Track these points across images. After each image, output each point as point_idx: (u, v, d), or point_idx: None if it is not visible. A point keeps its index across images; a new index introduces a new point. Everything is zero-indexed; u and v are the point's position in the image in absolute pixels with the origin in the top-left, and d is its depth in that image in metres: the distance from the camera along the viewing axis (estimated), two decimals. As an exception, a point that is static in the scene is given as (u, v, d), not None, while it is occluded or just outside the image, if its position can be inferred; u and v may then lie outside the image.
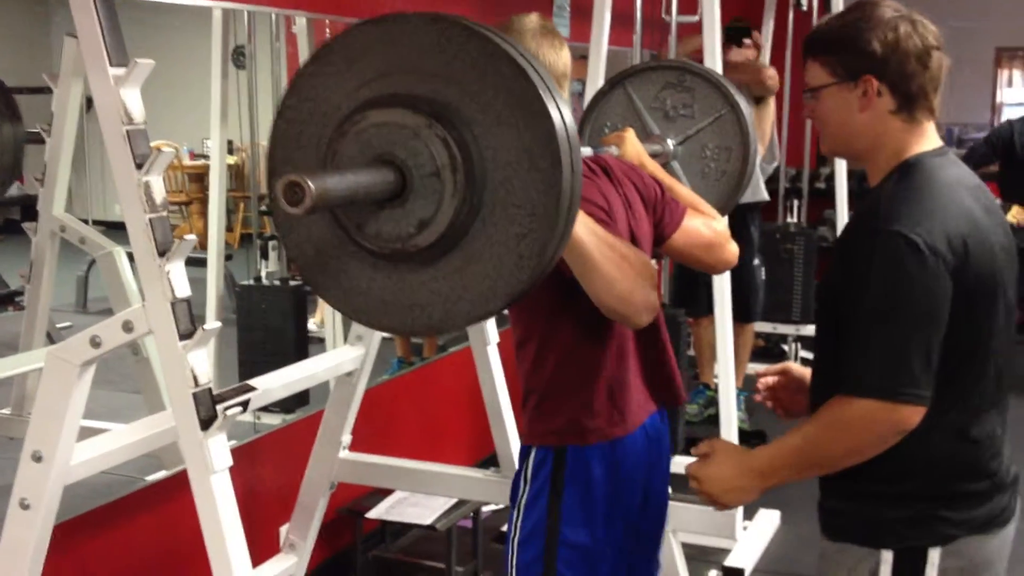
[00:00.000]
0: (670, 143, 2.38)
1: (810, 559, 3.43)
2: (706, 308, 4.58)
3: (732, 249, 1.98)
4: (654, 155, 2.14)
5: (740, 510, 3.58)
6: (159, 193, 1.62)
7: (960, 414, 1.59)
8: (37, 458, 1.66)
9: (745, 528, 3.66)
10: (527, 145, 1.31)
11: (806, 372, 1.81)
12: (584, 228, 1.56)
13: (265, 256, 3.45)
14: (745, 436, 4.25)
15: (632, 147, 2.02)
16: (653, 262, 1.80)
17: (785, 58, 5.23)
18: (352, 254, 1.43)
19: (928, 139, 1.63)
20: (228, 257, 3.66)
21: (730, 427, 3.36)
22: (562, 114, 1.32)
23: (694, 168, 2.41)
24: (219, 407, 1.69)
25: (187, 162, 5.37)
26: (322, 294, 1.50)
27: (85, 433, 1.72)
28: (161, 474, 2.69)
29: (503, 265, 1.34)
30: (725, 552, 3.52)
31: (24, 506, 1.68)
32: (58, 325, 3.00)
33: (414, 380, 3.91)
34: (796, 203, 5.45)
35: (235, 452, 1.73)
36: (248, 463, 2.97)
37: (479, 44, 1.32)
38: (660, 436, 1.94)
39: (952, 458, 1.59)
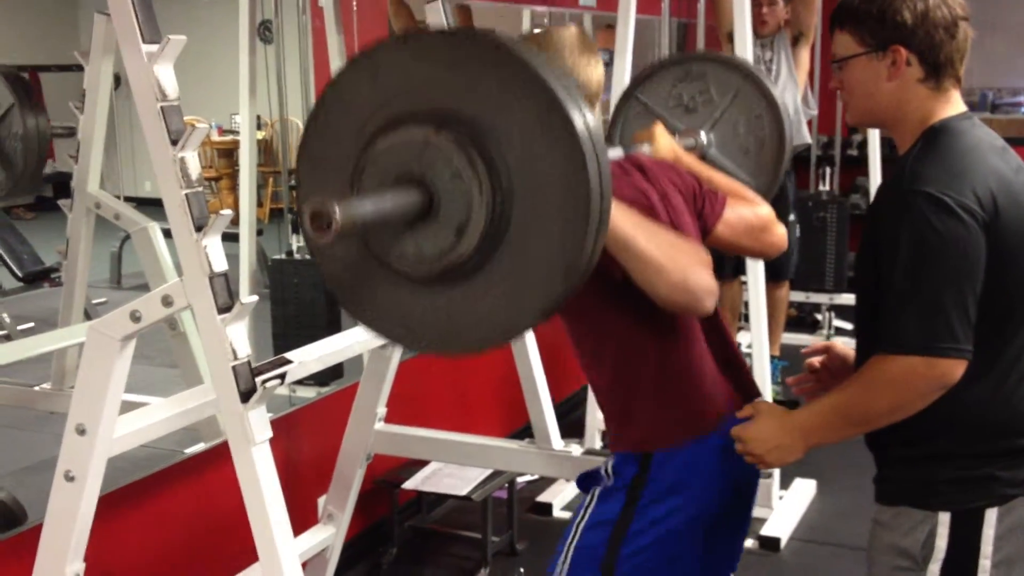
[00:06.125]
0: (702, 134, 2.35)
1: (846, 528, 3.46)
2: (732, 270, 4.52)
3: (780, 232, 1.94)
4: (689, 150, 2.11)
5: (776, 480, 3.58)
6: (195, 169, 1.63)
7: (1003, 371, 1.59)
8: (81, 431, 1.69)
9: (781, 497, 3.66)
10: (532, 113, 1.28)
11: (849, 351, 1.80)
12: (626, 220, 1.51)
13: (296, 230, 3.46)
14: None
15: (664, 141, 1.98)
16: None
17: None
18: (410, 292, 1.40)
19: (953, 105, 1.64)
20: (259, 232, 3.68)
21: (764, 397, 3.33)
22: (558, 77, 1.29)
23: (733, 149, 2.37)
24: (258, 380, 1.71)
25: (216, 138, 5.40)
26: (390, 341, 1.47)
27: (124, 407, 1.74)
28: (199, 446, 2.73)
29: (555, 237, 1.31)
30: (761, 521, 3.51)
31: (69, 478, 1.70)
32: (93, 301, 3.04)
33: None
34: (828, 171, 5.39)
35: (272, 425, 1.74)
36: (285, 436, 2.99)
37: (446, 47, 1.32)
38: None
39: (1000, 416, 1.59)
